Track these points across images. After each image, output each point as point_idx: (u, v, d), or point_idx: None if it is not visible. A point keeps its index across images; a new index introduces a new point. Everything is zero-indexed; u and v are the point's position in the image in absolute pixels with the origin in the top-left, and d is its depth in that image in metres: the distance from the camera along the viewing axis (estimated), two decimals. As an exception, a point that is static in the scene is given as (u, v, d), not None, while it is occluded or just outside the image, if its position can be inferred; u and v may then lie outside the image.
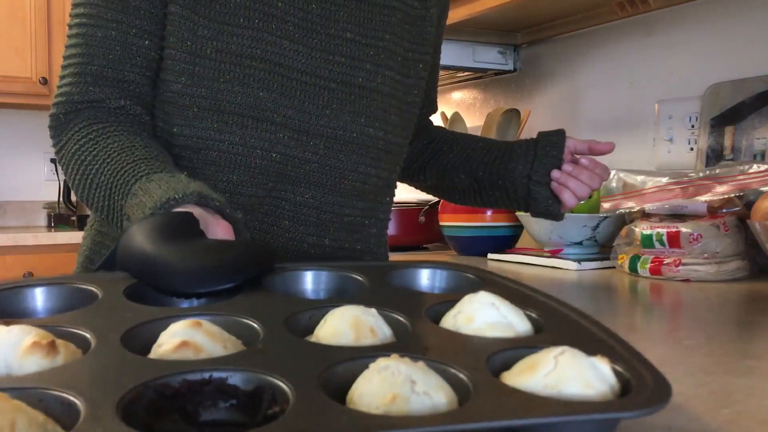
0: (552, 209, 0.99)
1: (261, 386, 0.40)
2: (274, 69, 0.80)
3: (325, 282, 0.66)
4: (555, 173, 0.98)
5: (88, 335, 0.46)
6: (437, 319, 0.54)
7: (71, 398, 0.37)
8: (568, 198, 0.97)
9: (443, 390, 0.39)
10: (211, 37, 0.78)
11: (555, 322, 0.52)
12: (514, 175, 1.00)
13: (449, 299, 0.56)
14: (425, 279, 0.69)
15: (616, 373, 0.42)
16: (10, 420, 0.31)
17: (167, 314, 0.50)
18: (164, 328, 0.46)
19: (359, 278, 0.64)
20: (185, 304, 0.57)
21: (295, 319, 0.52)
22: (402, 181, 1.10)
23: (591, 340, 0.48)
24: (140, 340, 0.47)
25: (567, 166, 0.98)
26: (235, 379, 0.41)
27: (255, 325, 0.50)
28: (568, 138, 1.00)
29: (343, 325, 0.48)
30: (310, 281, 0.66)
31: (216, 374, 0.40)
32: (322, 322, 0.50)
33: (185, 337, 0.44)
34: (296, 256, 0.86)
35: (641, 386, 0.40)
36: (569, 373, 0.40)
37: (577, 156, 1.00)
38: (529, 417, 0.36)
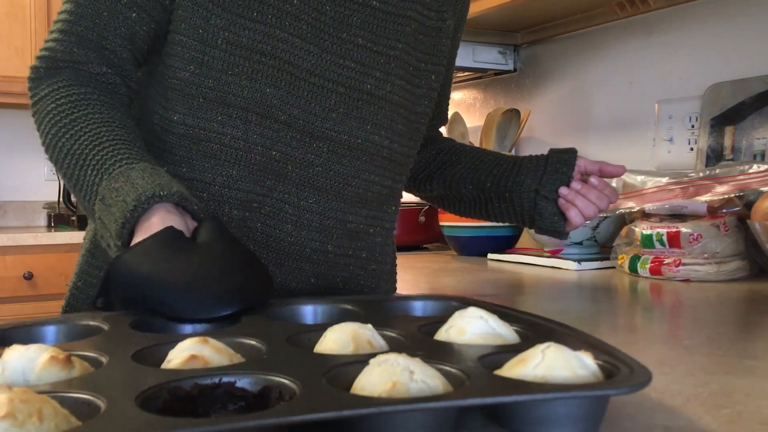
0: (557, 226, 0.99)
1: (268, 386, 0.42)
2: (283, 67, 0.80)
3: (321, 312, 0.70)
4: (563, 190, 0.97)
5: (98, 356, 0.49)
6: (430, 335, 0.57)
7: (91, 398, 0.38)
8: (574, 215, 0.96)
9: (440, 379, 0.42)
10: (224, 28, 0.78)
11: (539, 332, 0.56)
12: (521, 189, 0.99)
13: (439, 320, 0.59)
14: (415, 309, 0.74)
15: (599, 366, 0.45)
16: (38, 408, 0.35)
17: (173, 339, 0.52)
18: (172, 348, 0.49)
19: (353, 308, 0.68)
20: (189, 330, 0.61)
21: (296, 339, 0.54)
22: (408, 191, 1.10)
23: (577, 341, 0.51)
24: (150, 359, 0.49)
25: (576, 184, 0.98)
26: (243, 382, 0.43)
27: (258, 344, 0.52)
28: (579, 157, 0.99)
29: (343, 338, 0.51)
30: (307, 313, 0.71)
31: (225, 378, 0.42)
32: (321, 338, 0.53)
33: (193, 351, 0.46)
34: (298, 261, 0.86)
35: (624, 372, 0.44)
36: (556, 363, 0.43)
37: (587, 176, 1.00)
38: (526, 393, 0.39)
